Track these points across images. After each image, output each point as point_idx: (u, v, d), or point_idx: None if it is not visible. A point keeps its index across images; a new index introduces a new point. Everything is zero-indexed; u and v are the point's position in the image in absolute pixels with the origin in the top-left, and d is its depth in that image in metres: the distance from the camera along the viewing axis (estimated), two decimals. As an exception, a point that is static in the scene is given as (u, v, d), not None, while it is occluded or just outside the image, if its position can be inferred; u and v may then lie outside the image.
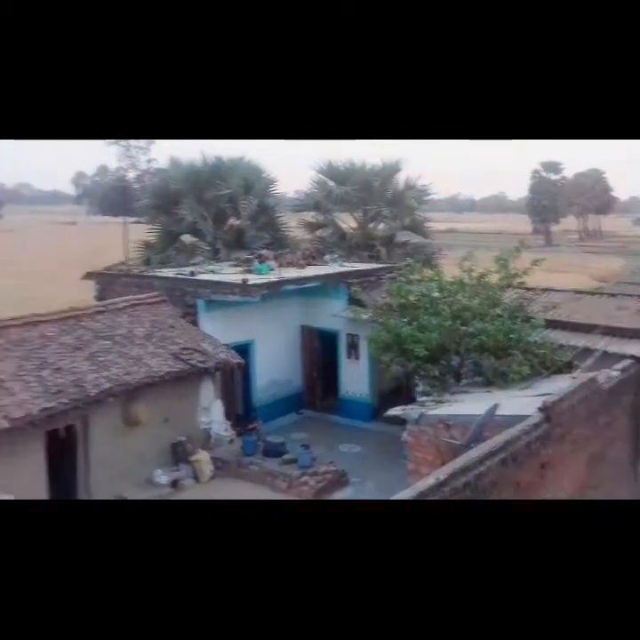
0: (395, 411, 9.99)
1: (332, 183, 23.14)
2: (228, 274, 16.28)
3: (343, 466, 12.78)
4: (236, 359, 14.15)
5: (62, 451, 11.29)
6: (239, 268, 17.07)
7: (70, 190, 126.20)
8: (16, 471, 9.92)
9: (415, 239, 23.39)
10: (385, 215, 23.01)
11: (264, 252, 18.78)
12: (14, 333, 12.12)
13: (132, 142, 67.65)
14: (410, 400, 11.70)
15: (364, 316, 14.84)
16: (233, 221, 21.29)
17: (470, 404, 9.80)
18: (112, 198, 73.59)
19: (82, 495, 11.60)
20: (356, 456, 14.20)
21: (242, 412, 15.62)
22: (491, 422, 8.04)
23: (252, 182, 22.05)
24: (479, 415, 8.29)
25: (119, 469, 11.78)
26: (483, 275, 13.05)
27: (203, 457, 12.72)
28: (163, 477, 12.22)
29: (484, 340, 11.79)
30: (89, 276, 17.04)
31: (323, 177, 23.37)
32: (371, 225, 23.64)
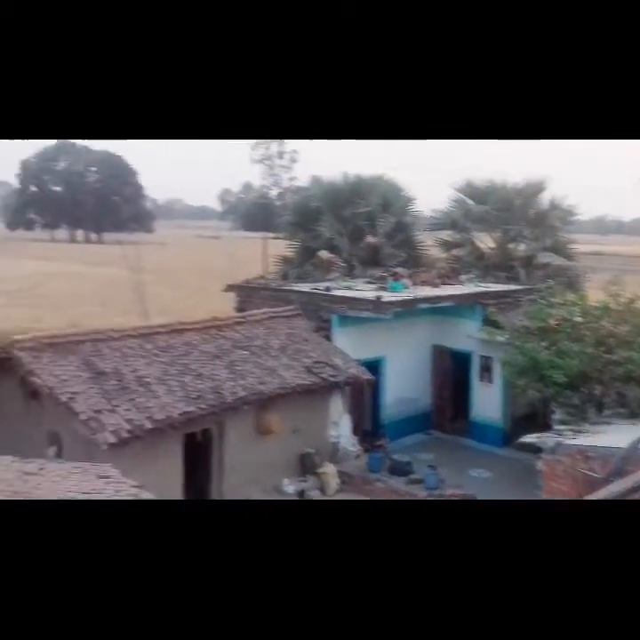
0: (530, 437, 9.63)
1: (470, 202, 22.81)
2: (363, 290, 16.43)
3: (472, 491, 12.44)
4: (367, 375, 14.22)
5: (198, 453, 11.82)
6: (373, 285, 17.19)
7: (216, 206, 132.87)
8: (156, 471, 10.48)
9: (557, 261, 22.48)
10: (526, 235, 22.31)
11: (399, 269, 18.79)
12: (161, 340, 12.88)
13: (277, 161, 70.21)
14: (545, 427, 11.22)
15: (500, 338, 14.46)
16: (369, 239, 21.49)
17: (612, 436, 9.26)
18: (254, 214, 76.60)
19: (214, 497, 12.07)
20: (485, 482, 13.79)
21: (369, 428, 15.65)
22: (635, 456, 7.54)
23: (391, 200, 22.18)
24: (622, 448, 7.80)
25: (250, 475, 12.16)
26: (631, 300, 12.34)
27: (329, 470, 12.85)
28: (290, 487, 12.48)
29: (631, 370, 11.12)
30: (230, 288, 17.80)
31: (461, 195, 23.08)
32: (510, 245, 23.00)
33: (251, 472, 12.20)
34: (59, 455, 10.49)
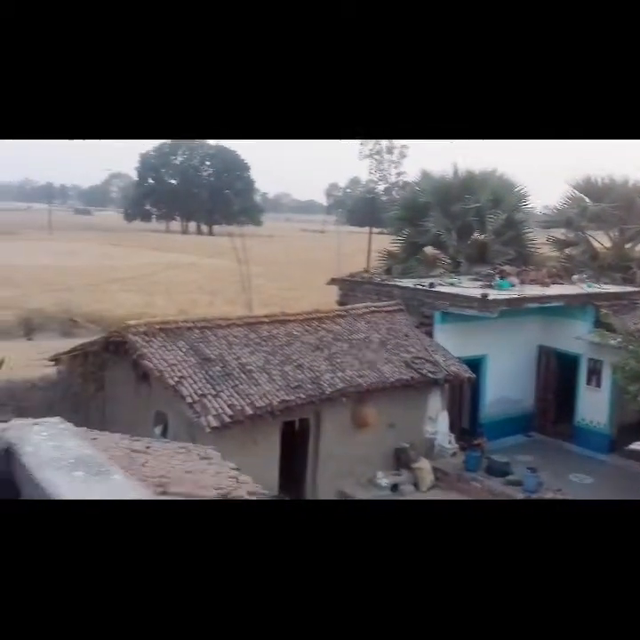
0: (638, 445, 9.20)
1: (587, 199, 21.88)
2: (468, 287, 16.16)
3: (572, 497, 12.02)
4: (467, 373, 14.01)
5: (295, 442, 12.07)
6: (479, 283, 16.86)
7: (323, 201, 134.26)
8: (254, 455, 10.79)
9: (680, 263, 21.19)
10: (645, 235, 21.17)
11: (506, 267, 18.33)
12: (265, 330, 13.22)
13: (386, 156, 70.05)
14: (656, 437, 10.67)
15: (612, 342, 13.85)
16: (477, 235, 21.07)
17: None
18: (360, 209, 76.78)
19: (309, 485, 12.31)
20: (586, 488, 13.26)
21: (467, 427, 15.41)
22: None
23: (502, 196, 21.60)
24: None
25: (344, 466, 12.30)
26: None
27: (424, 465, 12.78)
28: (384, 480, 12.51)
29: None
30: (333, 281, 17.97)
31: (577, 193, 22.17)
32: (628, 245, 21.90)
33: (345, 463, 12.33)
34: (164, 435, 11.01)
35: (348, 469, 12.31)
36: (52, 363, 13.76)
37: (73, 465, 2.07)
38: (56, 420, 2.48)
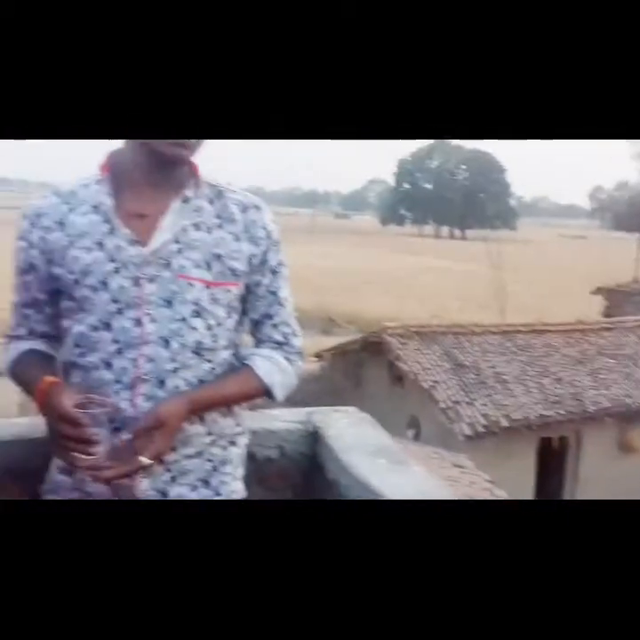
0: None
1: None
2: None
3: None
4: None
5: (551, 460, 11.44)
6: None
7: (585, 204, 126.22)
8: (508, 470, 10.42)
9: None
10: None
11: None
12: (521, 339, 12.74)
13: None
14: None
15: None
16: None
17: None
18: (628, 213, 70.86)
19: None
20: None
21: None
22: None
23: None
24: None
25: (607, 494, 11.36)
26: None
27: None
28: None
29: None
30: (599, 291, 16.82)
31: None
32: None
33: (609, 490, 11.37)
34: (416, 438, 11.11)
35: (610, 496, 11.36)
36: (315, 359, 14.63)
37: (374, 452, 2.13)
38: (353, 409, 2.59)
